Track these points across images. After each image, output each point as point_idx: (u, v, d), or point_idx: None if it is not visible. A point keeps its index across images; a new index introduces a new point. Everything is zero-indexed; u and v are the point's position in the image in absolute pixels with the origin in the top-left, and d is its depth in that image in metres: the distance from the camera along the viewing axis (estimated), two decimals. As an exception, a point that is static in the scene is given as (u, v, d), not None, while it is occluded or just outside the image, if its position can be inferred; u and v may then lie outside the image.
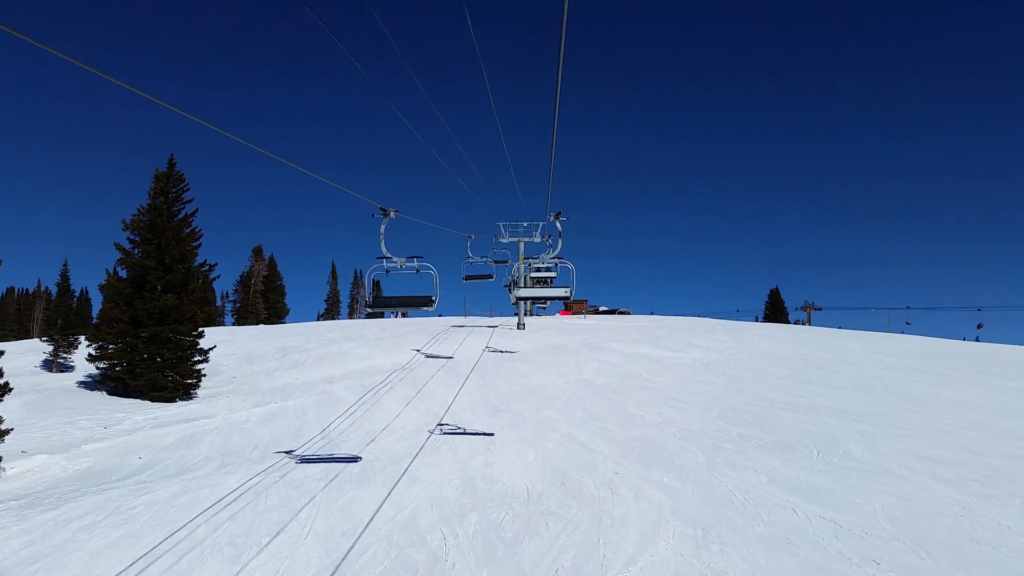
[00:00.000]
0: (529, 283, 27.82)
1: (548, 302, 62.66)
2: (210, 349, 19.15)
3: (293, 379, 20.17)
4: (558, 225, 28.79)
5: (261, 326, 39.12)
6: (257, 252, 54.13)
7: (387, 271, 16.03)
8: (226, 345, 28.00)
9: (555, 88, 6.93)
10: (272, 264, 55.82)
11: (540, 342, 28.04)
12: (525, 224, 33.63)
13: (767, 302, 60.53)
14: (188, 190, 19.58)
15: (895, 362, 24.64)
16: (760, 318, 58.27)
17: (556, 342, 28.13)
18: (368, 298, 16.16)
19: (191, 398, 18.73)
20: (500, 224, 34.14)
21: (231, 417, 15.33)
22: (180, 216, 19.22)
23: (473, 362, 22.09)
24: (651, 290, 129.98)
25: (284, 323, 52.16)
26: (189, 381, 18.56)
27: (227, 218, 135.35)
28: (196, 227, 19.45)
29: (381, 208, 16.11)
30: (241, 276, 53.84)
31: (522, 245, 33.59)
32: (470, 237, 28.83)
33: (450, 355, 23.79)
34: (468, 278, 27.19)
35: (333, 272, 66.61)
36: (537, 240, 33.17)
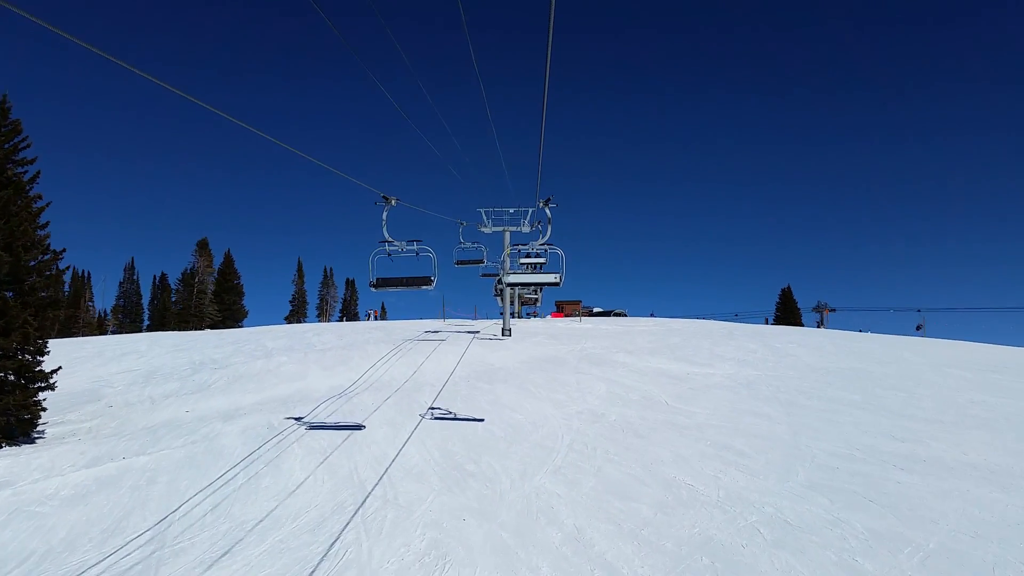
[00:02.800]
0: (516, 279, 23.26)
1: (538, 303, 57.58)
2: (54, 371, 13.30)
3: (183, 411, 14.49)
4: (547, 212, 24.19)
5: (192, 332, 33.07)
6: (202, 246, 47.63)
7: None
8: (132, 358, 22.24)
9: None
10: (228, 261, 49.58)
11: (530, 353, 22.53)
12: (512, 211, 28.44)
13: (778, 303, 55.32)
14: (28, 147, 13.67)
15: (978, 378, 19.42)
16: (770, 320, 53.14)
17: (549, 353, 22.63)
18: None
19: (30, 441, 13.00)
20: (481, 211, 28.87)
21: (34, 488, 9.62)
22: (13, 182, 13.40)
23: (440, 384, 16.54)
24: (643, 290, 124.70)
25: (242, 326, 46.26)
26: (25, 416, 12.84)
27: (172, 209, 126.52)
28: (38, 199, 13.54)
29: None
30: (183, 274, 47.31)
31: (508, 235, 28.36)
32: (389, 203, 17.83)
33: (411, 374, 18.19)
34: (380, 284, 17.22)
35: (299, 270, 60.32)
36: (525, 230, 28.29)
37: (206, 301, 45.59)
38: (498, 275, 28.64)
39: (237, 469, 9.90)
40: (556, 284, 20.72)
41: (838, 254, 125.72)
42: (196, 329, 39.54)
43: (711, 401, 15.03)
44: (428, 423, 12.56)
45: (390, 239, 17.59)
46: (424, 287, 17.10)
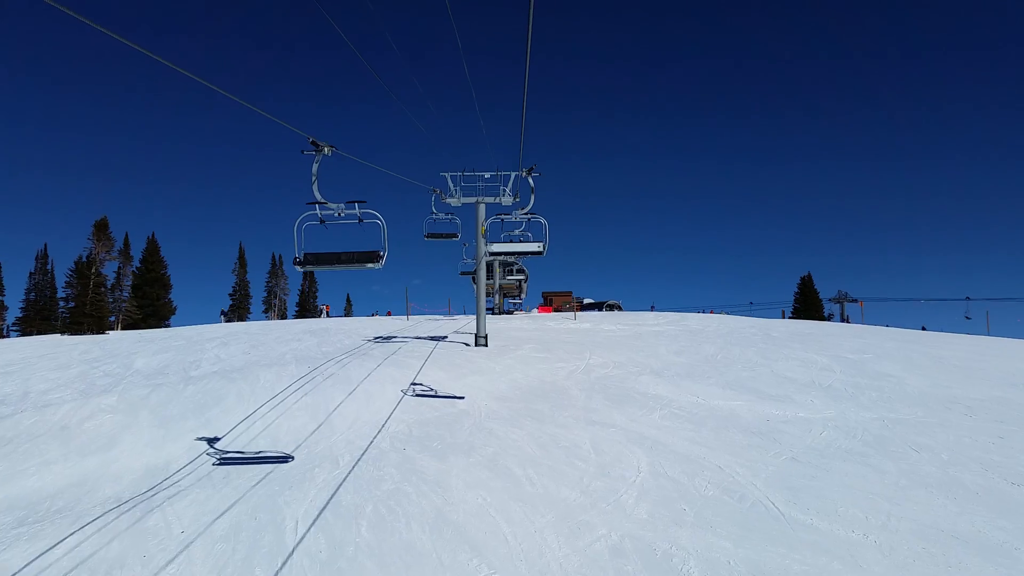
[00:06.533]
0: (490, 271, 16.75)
1: (523, 294, 50.44)
2: None
3: None
4: (531, 181, 20.63)
5: (68, 338, 25.15)
6: (100, 228, 38.31)
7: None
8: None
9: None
10: (153, 249, 41.07)
11: (512, 377, 15.37)
12: (487, 175, 21.60)
13: (797, 293, 48.66)
14: None
15: None
16: (788, 312, 46.50)
17: (542, 376, 15.49)
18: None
19: None
20: (447, 176, 22.00)
21: None
22: None
23: (351, 460, 9.29)
24: (635, 278, 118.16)
25: (168, 325, 38.48)
26: None
27: (96, 188, 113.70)
28: None
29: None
30: (76, 264, 37.93)
31: (482, 208, 21.47)
32: (320, 151, 13.81)
33: (312, 431, 10.91)
34: (308, 262, 13.24)
35: (240, 257, 51.65)
36: (506, 201, 21.73)
37: (106, 296, 36.88)
38: (474, 262, 24.30)
39: None
40: (539, 253, 19.91)
41: (857, 240, 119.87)
42: (97, 332, 31.72)
43: (850, 496, 7.95)
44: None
45: (322, 200, 13.40)
46: (369, 265, 13.03)
